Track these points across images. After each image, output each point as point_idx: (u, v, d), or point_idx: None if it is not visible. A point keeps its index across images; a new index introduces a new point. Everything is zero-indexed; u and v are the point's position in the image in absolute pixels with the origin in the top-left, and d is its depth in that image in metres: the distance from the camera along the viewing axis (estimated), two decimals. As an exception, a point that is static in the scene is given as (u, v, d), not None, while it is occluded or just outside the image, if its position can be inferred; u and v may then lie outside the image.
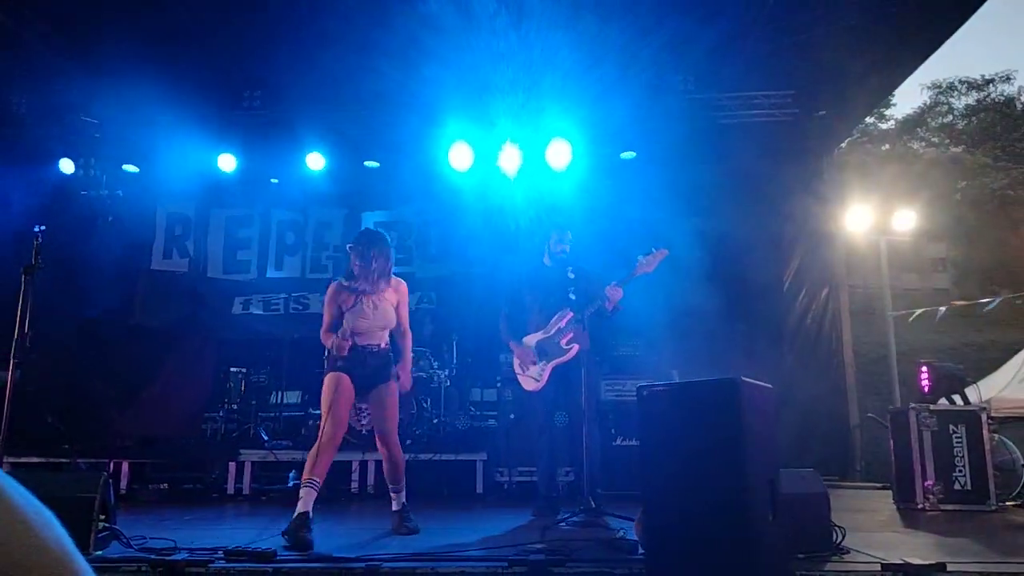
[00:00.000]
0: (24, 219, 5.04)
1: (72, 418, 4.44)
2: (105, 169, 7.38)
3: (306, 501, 3.72)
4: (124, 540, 3.53)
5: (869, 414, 6.29)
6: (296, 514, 3.65)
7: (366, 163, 7.39)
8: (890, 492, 5.33)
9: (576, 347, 4.65)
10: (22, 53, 5.96)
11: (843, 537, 3.42)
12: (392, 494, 4.27)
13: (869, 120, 6.78)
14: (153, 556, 3.22)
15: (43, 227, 4.07)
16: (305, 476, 3.82)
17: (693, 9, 5.52)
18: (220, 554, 3.26)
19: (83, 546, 3.32)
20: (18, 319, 3.94)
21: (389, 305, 4.13)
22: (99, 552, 3.25)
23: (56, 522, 0.71)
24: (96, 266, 6.69)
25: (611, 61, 5.69)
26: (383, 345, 4.17)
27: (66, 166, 7.19)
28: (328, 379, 4.05)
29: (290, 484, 6.13)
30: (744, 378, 3.05)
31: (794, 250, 6.88)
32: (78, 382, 5.60)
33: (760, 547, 2.87)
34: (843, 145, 7.16)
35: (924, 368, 5.53)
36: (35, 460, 5.23)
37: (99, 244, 6.91)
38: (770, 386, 3.32)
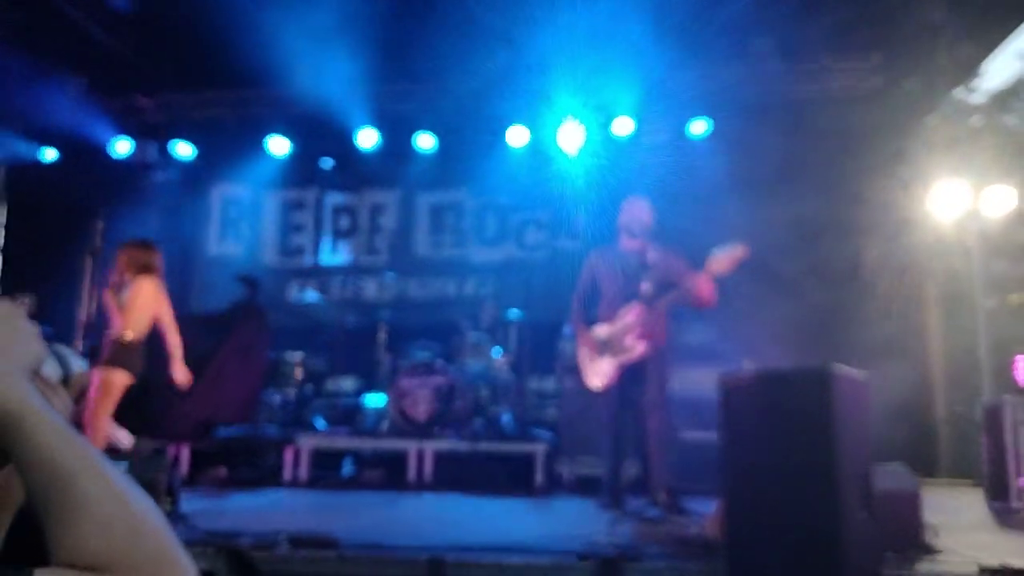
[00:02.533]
0: (83, 203, 5.12)
1: (133, 403, 4.51)
2: (161, 151, 7.47)
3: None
4: (189, 524, 3.60)
5: (957, 408, 5.93)
6: None
7: (420, 143, 7.28)
8: (980, 490, 5.02)
9: (641, 346, 4.27)
10: (79, 34, 6.05)
11: (936, 537, 3.23)
12: None
13: (959, 95, 6.37)
14: (219, 540, 3.22)
15: (106, 209, 4.10)
16: None
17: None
18: (284, 539, 3.24)
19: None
20: (85, 302, 3.99)
21: None
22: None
23: (156, 507, 0.72)
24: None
25: (681, 30, 5.40)
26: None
27: (122, 147, 7.28)
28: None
29: (346, 471, 6.11)
30: (836, 365, 2.86)
31: (876, 232, 6.48)
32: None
33: (851, 546, 2.70)
34: (931, 121, 6.72)
35: (1021, 359, 5.18)
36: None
37: (156, 228, 6.99)
38: (862, 375, 3.11)
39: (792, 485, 2.80)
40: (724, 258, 4.01)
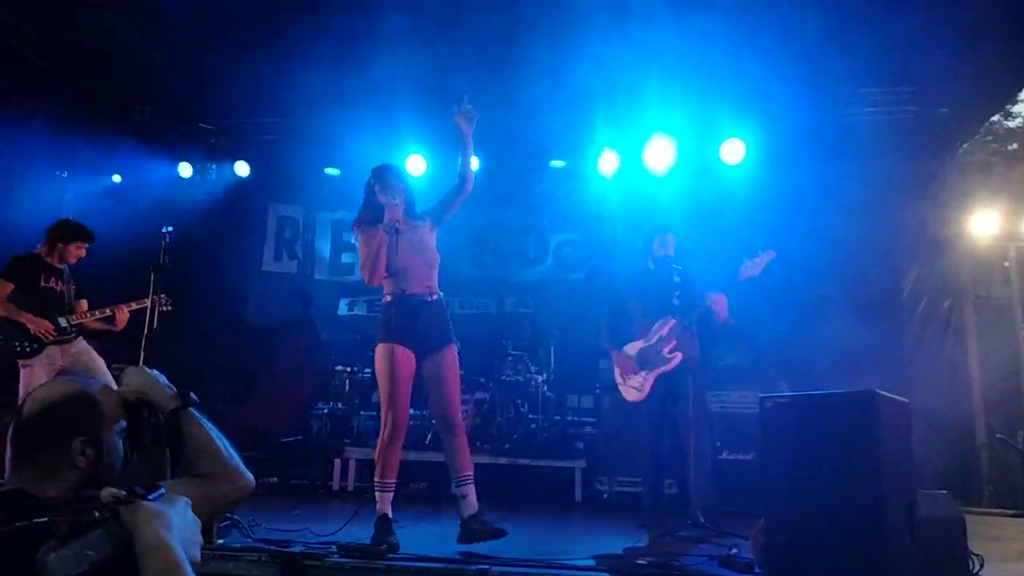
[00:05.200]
0: (148, 221, 5.40)
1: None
2: (219, 173, 7.82)
3: (383, 504, 3.43)
4: (244, 530, 3.64)
5: (999, 435, 5.85)
6: (377, 518, 3.42)
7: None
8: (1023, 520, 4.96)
9: (679, 355, 4.45)
10: (143, 62, 6.35)
11: (981, 566, 3.20)
12: (463, 488, 3.50)
13: (995, 118, 6.30)
14: (272, 547, 3.31)
15: (170, 228, 4.29)
16: (377, 479, 3.45)
17: (804, -1, 5.31)
18: (335, 549, 3.33)
19: (206, 534, 3.44)
20: (147, 316, 4.17)
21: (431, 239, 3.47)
22: (221, 540, 3.36)
23: (230, 445, 1.52)
24: (212, 267, 7.07)
25: (716, 55, 5.52)
26: (433, 294, 3.47)
27: (184, 170, 7.64)
28: (379, 354, 3.40)
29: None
30: (879, 391, 2.89)
31: (913, 257, 6.48)
32: (196, 379, 5.88)
33: (895, 572, 2.70)
34: (965, 145, 6.71)
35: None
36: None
37: (214, 245, 7.29)
38: (905, 400, 3.14)
39: (835, 509, 2.80)
40: (756, 262, 4.35)
